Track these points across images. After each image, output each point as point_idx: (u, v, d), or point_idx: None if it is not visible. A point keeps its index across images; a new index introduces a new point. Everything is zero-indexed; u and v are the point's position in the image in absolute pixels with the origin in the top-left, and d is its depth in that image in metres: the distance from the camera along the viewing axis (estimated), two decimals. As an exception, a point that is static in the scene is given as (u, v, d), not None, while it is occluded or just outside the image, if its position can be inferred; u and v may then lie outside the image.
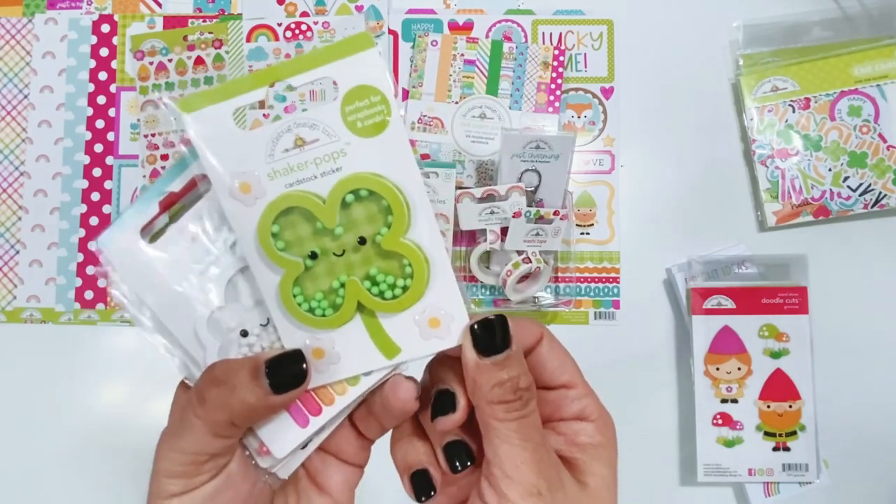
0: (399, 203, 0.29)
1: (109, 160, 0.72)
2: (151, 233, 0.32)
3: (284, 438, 0.32)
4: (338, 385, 0.32)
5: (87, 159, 0.72)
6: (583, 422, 0.32)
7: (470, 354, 0.29)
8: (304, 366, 0.30)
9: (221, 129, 0.29)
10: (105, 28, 0.74)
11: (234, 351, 0.32)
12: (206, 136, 0.29)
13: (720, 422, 0.67)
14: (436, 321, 0.30)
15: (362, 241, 0.30)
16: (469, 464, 0.31)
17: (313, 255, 0.30)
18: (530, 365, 0.31)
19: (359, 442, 0.34)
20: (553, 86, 0.71)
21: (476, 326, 0.30)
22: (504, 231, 0.64)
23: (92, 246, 0.32)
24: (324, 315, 0.31)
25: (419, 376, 0.33)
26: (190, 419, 0.29)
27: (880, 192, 0.69)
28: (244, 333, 0.32)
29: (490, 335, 0.29)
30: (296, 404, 0.32)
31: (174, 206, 0.32)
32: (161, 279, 0.31)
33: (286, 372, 0.30)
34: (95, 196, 0.72)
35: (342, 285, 0.31)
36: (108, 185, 0.72)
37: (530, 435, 0.29)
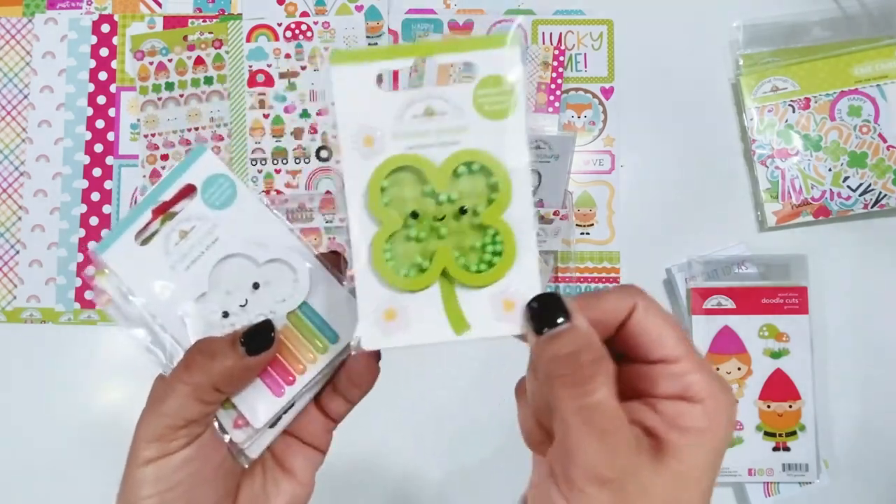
0: (507, 182, 0.32)
1: (109, 160, 0.72)
2: (144, 237, 0.37)
3: (262, 408, 0.35)
4: (308, 354, 0.36)
5: (87, 159, 0.72)
6: (687, 402, 0.29)
7: (529, 334, 0.29)
8: (273, 333, 0.34)
9: (361, 85, 0.32)
10: (105, 28, 0.74)
11: (217, 331, 0.36)
12: (345, 88, 0.32)
13: (720, 422, 0.67)
14: (510, 304, 0.31)
15: (463, 210, 0.32)
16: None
17: (414, 215, 0.32)
18: (624, 337, 0.30)
19: (323, 423, 0.37)
20: (553, 86, 0.71)
21: (532, 303, 0.29)
22: (504, 231, 0.64)
23: (91, 247, 0.36)
24: (407, 275, 0.32)
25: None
26: (173, 385, 0.33)
27: (880, 192, 0.69)
28: (225, 314, 0.36)
29: (544, 311, 0.29)
30: (271, 375, 0.35)
31: (166, 212, 0.37)
32: (152, 276, 0.36)
33: (258, 336, 0.34)
34: (95, 196, 0.72)
35: (433, 251, 0.32)
36: (108, 185, 0.72)
37: (594, 419, 0.27)
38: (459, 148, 0.32)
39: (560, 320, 0.28)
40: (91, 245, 0.37)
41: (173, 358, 0.35)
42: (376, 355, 0.35)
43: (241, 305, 0.36)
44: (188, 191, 0.37)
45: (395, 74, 0.67)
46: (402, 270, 0.32)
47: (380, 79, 0.32)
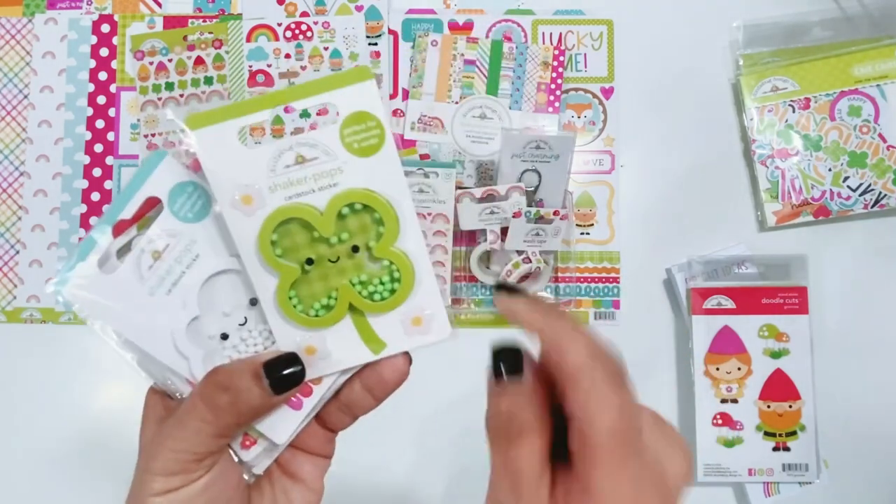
0: (391, 216, 0.33)
1: (109, 160, 0.72)
2: (108, 261, 0.33)
3: (282, 425, 0.34)
4: None
5: (87, 159, 0.72)
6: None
7: (490, 378, 0.29)
8: (300, 367, 0.32)
9: (225, 146, 0.32)
10: (105, 28, 0.74)
11: (218, 356, 0.34)
12: (210, 151, 0.32)
13: (720, 422, 0.67)
14: (418, 319, 0.34)
15: (355, 249, 0.33)
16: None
17: (309, 262, 0.33)
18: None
19: (324, 435, 0.36)
20: (553, 86, 0.71)
21: (496, 351, 0.29)
22: (504, 231, 0.64)
23: (49, 289, 0.34)
24: (317, 315, 0.33)
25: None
26: (194, 423, 0.31)
27: (880, 192, 0.69)
28: (224, 336, 0.34)
29: (503, 361, 0.28)
30: None
31: (128, 231, 0.33)
32: (126, 304, 0.33)
33: (284, 373, 0.32)
34: (95, 196, 0.72)
35: (335, 289, 0.33)
36: (108, 185, 0.72)
37: (512, 478, 0.27)
38: (339, 190, 0.32)
39: (514, 374, 0.28)
40: (48, 286, 0.34)
41: (167, 381, 0.34)
42: (409, 360, 0.34)
43: (240, 324, 0.34)
44: (151, 204, 0.33)
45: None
46: (311, 311, 0.33)
47: (242, 135, 0.32)
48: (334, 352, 0.34)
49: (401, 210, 0.33)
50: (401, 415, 0.68)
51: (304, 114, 0.71)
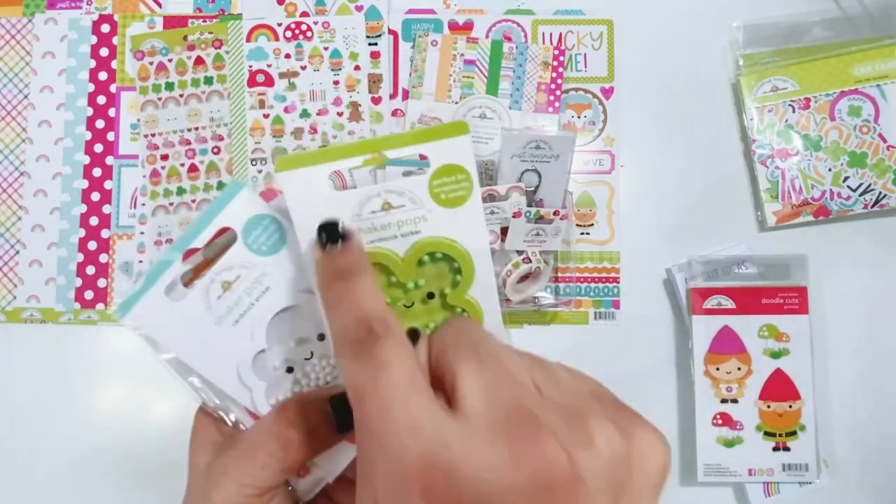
0: (469, 265, 0.33)
1: (109, 160, 0.72)
2: (175, 288, 0.33)
3: (338, 457, 0.34)
4: None
5: (87, 159, 0.72)
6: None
7: (316, 250, 0.31)
8: None
9: (313, 188, 0.32)
10: (105, 28, 0.74)
11: (282, 389, 0.34)
12: (297, 193, 0.32)
13: (720, 422, 0.67)
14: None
15: (430, 296, 0.34)
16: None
17: None
18: None
19: None
20: (553, 86, 0.71)
21: (321, 225, 0.31)
22: (504, 231, 0.64)
23: (116, 317, 0.33)
24: None
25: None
26: (262, 458, 0.31)
27: (880, 192, 0.69)
28: (290, 370, 0.34)
29: (327, 230, 0.31)
30: None
31: (195, 256, 0.33)
32: (192, 332, 0.33)
33: (349, 410, 0.31)
34: (95, 196, 0.72)
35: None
36: (108, 185, 0.72)
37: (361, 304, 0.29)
38: (420, 237, 0.33)
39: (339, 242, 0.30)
40: (112, 309, 0.34)
41: (226, 409, 0.34)
42: None
43: (306, 358, 0.34)
44: (222, 232, 0.34)
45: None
46: None
47: (334, 178, 0.32)
48: None
49: (478, 261, 0.33)
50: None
51: (304, 113, 0.71)
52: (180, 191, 0.72)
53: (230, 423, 0.34)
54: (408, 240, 0.33)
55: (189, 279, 0.33)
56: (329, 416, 0.32)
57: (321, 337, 0.34)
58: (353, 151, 0.32)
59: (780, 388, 0.66)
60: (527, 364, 0.27)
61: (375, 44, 0.73)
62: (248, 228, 0.33)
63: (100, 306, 0.71)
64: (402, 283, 0.33)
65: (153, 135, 0.72)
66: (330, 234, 0.30)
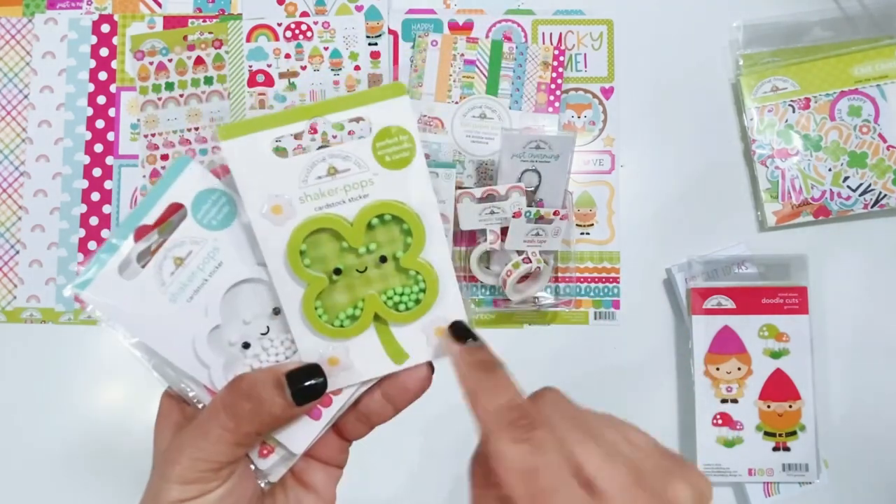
0: (419, 227, 0.33)
1: (109, 160, 0.72)
2: (129, 267, 0.33)
3: (301, 434, 0.34)
4: None
5: (87, 159, 0.72)
6: None
7: (451, 345, 0.33)
8: (323, 378, 0.32)
9: (257, 156, 0.32)
10: (105, 28, 0.74)
11: (240, 364, 0.34)
12: (241, 161, 0.32)
13: (720, 422, 0.67)
14: (441, 329, 0.34)
15: (383, 259, 0.34)
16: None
17: (337, 272, 0.33)
18: None
19: (338, 444, 0.36)
20: (553, 86, 0.71)
21: (453, 324, 0.34)
22: (504, 231, 0.64)
23: (67, 292, 0.33)
24: (342, 326, 0.34)
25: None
26: (215, 431, 0.31)
27: (880, 192, 0.69)
28: (246, 345, 0.34)
29: (462, 327, 0.34)
30: None
31: (149, 236, 0.33)
32: (147, 310, 0.33)
33: (306, 384, 0.32)
34: (95, 196, 0.72)
35: (362, 299, 0.34)
36: (108, 185, 0.72)
37: (501, 395, 0.31)
38: (368, 201, 0.33)
39: (471, 335, 0.33)
40: (67, 289, 0.33)
41: (185, 388, 0.33)
42: (431, 369, 0.35)
43: (262, 333, 0.34)
44: (173, 210, 0.33)
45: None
46: (335, 322, 0.34)
47: (273, 145, 0.33)
48: (357, 363, 0.34)
49: (428, 222, 0.33)
50: (403, 418, 0.68)
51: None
52: (180, 191, 0.72)
53: (194, 405, 0.34)
54: (356, 204, 0.33)
55: (146, 260, 0.33)
56: (284, 390, 0.31)
57: (276, 311, 0.34)
58: (295, 117, 0.33)
59: (780, 388, 0.66)
60: (608, 424, 0.31)
61: (375, 44, 0.73)
62: (198, 203, 0.33)
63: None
64: (353, 248, 0.33)
65: (153, 135, 0.72)
66: (465, 331, 0.33)
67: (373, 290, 0.34)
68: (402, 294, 0.34)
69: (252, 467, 0.34)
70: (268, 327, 0.34)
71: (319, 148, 0.33)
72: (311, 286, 0.33)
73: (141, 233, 0.33)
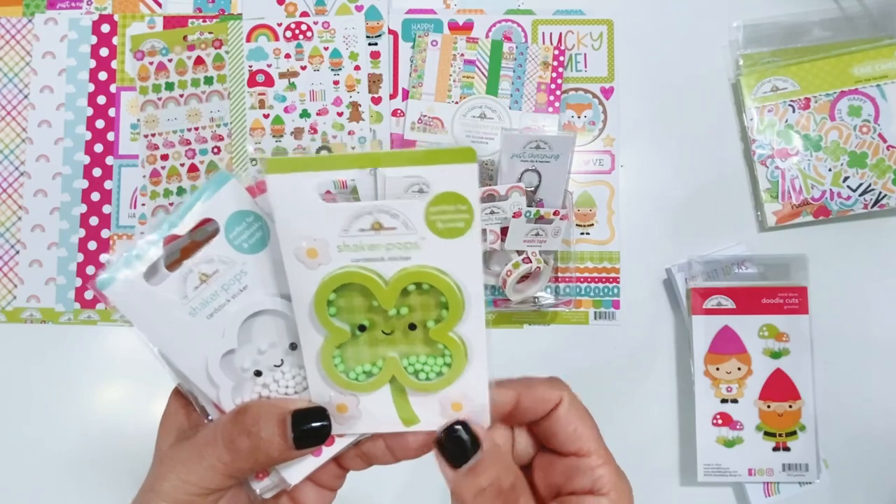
0: (458, 302, 0.31)
1: (109, 160, 0.72)
2: (155, 273, 0.32)
3: (298, 467, 0.33)
4: None
5: (87, 159, 0.72)
6: (596, 496, 0.31)
7: (445, 470, 0.30)
8: (327, 423, 0.32)
9: (302, 196, 0.30)
10: (105, 28, 0.74)
11: (247, 391, 0.33)
12: (284, 198, 0.30)
13: (720, 422, 0.67)
14: (458, 406, 0.32)
15: (412, 326, 0.32)
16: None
17: (362, 328, 0.32)
18: (544, 426, 0.32)
19: (336, 471, 0.36)
20: (553, 86, 0.71)
21: (442, 439, 0.30)
22: (504, 231, 0.64)
23: (92, 287, 0.33)
24: (356, 380, 0.33)
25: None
26: (209, 460, 0.31)
27: (880, 192, 0.69)
28: (258, 373, 0.33)
29: (456, 443, 0.30)
30: None
31: (178, 246, 0.33)
32: (166, 318, 0.32)
33: (309, 427, 0.31)
34: (95, 196, 0.72)
35: (382, 359, 0.32)
36: (108, 185, 0.72)
37: None
38: (410, 264, 0.31)
39: (473, 449, 0.30)
40: (92, 282, 0.33)
41: (195, 395, 0.33)
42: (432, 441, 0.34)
43: (276, 365, 0.33)
44: (205, 224, 0.32)
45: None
46: (351, 374, 0.32)
47: (322, 189, 0.31)
48: (365, 416, 0.33)
49: (469, 296, 0.31)
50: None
51: (304, 113, 0.72)
52: (180, 191, 0.72)
53: (199, 411, 0.34)
54: (396, 264, 0.31)
55: (175, 260, 0.32)
56: (287, 430, 0.31)
57: (293, 346, 0.33)
58: (350, 163, 0.30)
59: (780, 388, 0.66)
60: None
61: (375, 44, 0.73)
62: (232, 223, 0.32)
63: (100, 306, 0.71)
64: (383, 309, 0.32)
65: (153, 135, 0.72)
66: (464, 451, 0.30)
67: (395, 353, 0.32)
68: (424, 363, 0.32)
69: (248, 487, 0.34)
70: (282, 360, 0.33)
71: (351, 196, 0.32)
72: (332, 337, 0.32)
73: (170, 241, 0.32)
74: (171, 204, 0.71)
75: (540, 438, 0.33)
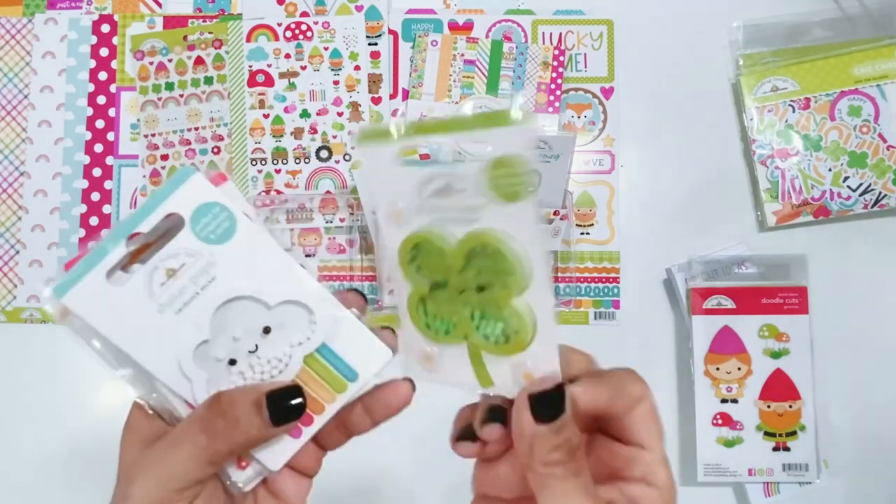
0: (517, 268, 0.31)
1: (109, 160, 0.72)
2: (116, 274, 0.32)
3: (280, 451, 0.33)
4: (326, 394, 0.34)
5: (87, 159, 0.72)
6: (648, 486, 0.32)
7: (527, 421, 0.30)
8: (302, 399, 0.32)
9: (386, 163, 0.33)
10: (105, 28, 0.74)
11: (224, 381, 0.33)
12: (374, 168, 0.33)
13: (720, 422, 0.67)
14: (529, 376, 0.32)
15: (482, 288, 0.33)
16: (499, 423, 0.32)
17: (438, 284, 0.34)
18: (621, 420, 0.33)
19: (314, 453, 0.35)
20: (553, 86, 0.71)
21: (535, 396, 0.30)
22: (504, 231, 0.64)
23: (46, 294, 0.32)
24: (437, 332, 0.34)
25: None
26: (186, 446, 0.30)
27: (880, 192, 0.69)
28: (232, 362, 0.33)
29: (548, 404, 0.30)
30: None
31: (142, 245, 0.32)
32: (132, 319, 0.32)
33: (285, 405, 0.31)
34: (95, 196, 0.72)
35: (455, 315, 0.34)
36: (108, 185, 0.72)
37: (590, 490, 0.30)
38: (477, 226, 0.32)
39: (560, 410, 0.30)
40: (45, 290, 0.32)
41: (162, 402, 0.33)
42: (413, 386, 0.35)
43: (250, 351, 0.33)
44: (171, 220, 0.32)
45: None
46: (433, 326, 0.34)
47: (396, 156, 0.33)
48: (447, 367, 0.34)
49: (532, 263, 0.31)
50: (402, 422, 0.68)
51: (304, 113, 0.71)
52: (180, 191, 0.72)
53: (165, 420, 0.33)
54: (466, 226, 0.32)
55: (126, 263, 0.32)
56: (263, 410, 0.31)
57: (267, 330, 0.33)
58: (426, 130, 0.32)
59: (780, 388, 0.66)
60: None
61: (375, 44, 0.73)
62: (198, 215, 0.32)
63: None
64: (457, 269, 0.33)
65: (153, 135, 0.72)
66: (554, 407, 0.30)
67: (468, 311, 0.33)
68: (494, 326, 0.33)
69: (228, 478, 0.33)
70: (256, 345, 0.33)
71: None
72: (414, 288, 0.34)
73: (133, 240, 0.32)
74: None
75: (604, 423, 0.34)
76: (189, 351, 0.32)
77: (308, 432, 0.33)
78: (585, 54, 0.73)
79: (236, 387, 0.33)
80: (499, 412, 0.32)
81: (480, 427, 0.32)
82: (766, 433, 0.66)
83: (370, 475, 0.69)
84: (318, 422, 0.34)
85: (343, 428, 0.35)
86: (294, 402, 0.31)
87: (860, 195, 0.69)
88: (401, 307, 0.35)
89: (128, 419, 0.34)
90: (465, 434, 0.33)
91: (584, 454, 0.31)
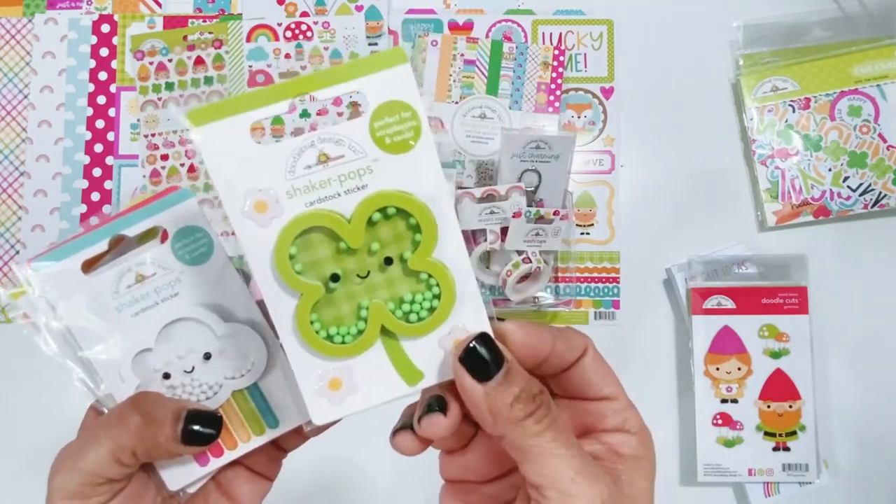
0: (430, 220, 0.28)
1: (109, 160, 0.72)
2: (91, 265, 0.33)
3: (181, 473, 0.33)
4: (243, 432, 0.33)
5: (87, 159, 0.72)
6: (625, 434, 0.32)
7: (471, 386, 0.28)
8: (216, 431, 0.32)
9: (235, 144, 0.27)
10: (105, 28, 0.74)
11: (153, 389, 0.33)
12: (217, 150, 0.28)
13: (720, 422, 0.67)
14: (461, 342, 0.29)
15: (388, 261, 0.29)
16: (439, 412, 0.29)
17: (335, 278, 0.29)
18: (573, 377, 0.32)
19: (272, 454, 0.35)
20: (553, 86, 0.71)
21: (464, 357, 0.28)
22: (504, 231, 0.64)
23: (20, 262, 0.33)
24: (343, 342, 0.29)
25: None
26: (98, 436, 0.30)
27: (880, 192, 0.69)
28: (166, 376, 0.33)
29: (481, 359, 0.28)
30: None
31: (121, 246, 0.33)
32: (91, 313, 0.33)
33: (199, 429, 0.31)
34: (95, 196, 0.72)
35: (366, 308, 0.29)
36: (108, 185, 0.72)
37: (571, 440, 0.28)
38: (368, 192, 0.28)
39: (498, 361, 0.28)
40: (21, 257, 0.33)
41: (102, 397, 0.33)
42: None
43: (186, 371, 0.33)
44: (154, 230, 0.33)
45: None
46: (336, 338, 0.29)
47: (255, 130, 0.28)
48: (364, 385, 0.30)
49: (440, 213, 0.28)
50: (388, 418, 0.68)
51: (304, 113, 0.72)
52: (180, 191, 0.72)
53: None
54: (354, 196, 0.28)
55: (105, 263, 0.33)
56: (178, 423, 0.31)
57: (208, 356, 0.33)
58: (276, 95, 0.27)
59: (780, 388, 0.66)
60: None
61: (375, 44, 0.73)
62: (180, 235, 0.33)
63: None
64: (353, 250, 0.29)
65: (153, 135, 0.72)
66: (485, 363, 0.28)
67: (378, 298, 0.29)
68: (412, 302, 0.29)
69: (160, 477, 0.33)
70: (193, 367, 0.33)
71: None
72: (304, 297, 0.28)
73: (117, 241, 0.33)
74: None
75: (562, 386, 0.32)
76: (130, 354, 0.33)
77: (215, 463, 0.33)
78: (585, 54, 0.73)
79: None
80: (437, 401, 0.29)
81: (418, 423, 0.29)
82: (766, 433, 0.66)
83: (347, 472, 0.69)
84: (228, 457, 0.34)
85: (300, 428, 0.34)
86: (208, 430, 0.31)
87: (860, 195, 0.69)
88: (283, 332, 0.29)
89: (83, 422, 0.34)
90: (404, 426, 0.31)
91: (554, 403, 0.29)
